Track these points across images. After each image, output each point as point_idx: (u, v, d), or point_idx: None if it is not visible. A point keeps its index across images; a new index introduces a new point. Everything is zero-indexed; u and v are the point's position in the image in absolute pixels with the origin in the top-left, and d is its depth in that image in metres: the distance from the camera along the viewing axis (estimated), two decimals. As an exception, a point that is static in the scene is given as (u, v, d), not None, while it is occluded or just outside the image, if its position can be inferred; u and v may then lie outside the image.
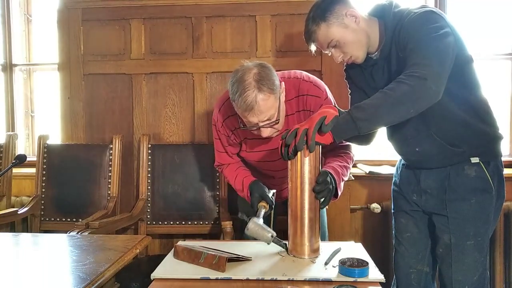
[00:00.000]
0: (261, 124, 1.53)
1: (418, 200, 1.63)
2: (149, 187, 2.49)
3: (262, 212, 1.56)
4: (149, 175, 2.50)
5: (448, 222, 1.55)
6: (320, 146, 1.42)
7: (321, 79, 2.47)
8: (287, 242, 1.47)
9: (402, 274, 1.73)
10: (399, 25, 1.47)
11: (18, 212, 2.40)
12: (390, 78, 1.46)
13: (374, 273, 1.29)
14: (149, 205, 2.48)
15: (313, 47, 1.58)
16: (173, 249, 1.46)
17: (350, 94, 1.74)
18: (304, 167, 1.40)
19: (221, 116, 1.74)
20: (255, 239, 1.48)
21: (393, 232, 1.78)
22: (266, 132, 1.56)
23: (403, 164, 1.71)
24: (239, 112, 1.53)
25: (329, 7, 1.50)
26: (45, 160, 2.55)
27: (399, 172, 1.73)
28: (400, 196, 1.71)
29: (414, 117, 1.41)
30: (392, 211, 1.78)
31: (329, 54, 1.58)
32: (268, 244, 1.43)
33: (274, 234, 1.45)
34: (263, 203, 1.60)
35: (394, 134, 1.63)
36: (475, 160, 1.51)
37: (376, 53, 1.55)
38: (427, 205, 1.61)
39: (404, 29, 1.44)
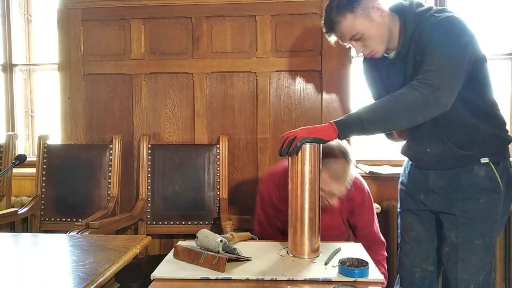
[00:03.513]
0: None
1: (426, 199, 1.64)
2: (149, 187, 2.49)
3: (225, 235, 1.52)
4: (149, 175, 2.50)
5: (456, 221, 1.55)
6: (321, 146, 1.43)
7: (321, 79, 2.49)
8: (237, 248, 1.40)
9: (406, 272, 1.74)
10: (418, 28, 1.46)
11: (18, 212, 2.40)
12: (404, 81, 1.47)
13: (374, 273, 1.29)
14: (149, 205, 2.48)
15: (333, 38, 1.56)
16: (173, 249, 1.46)
17: (368, 86, 1.75)
18: (305, 167, 1.40)
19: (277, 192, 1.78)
20: (207, 249, 1.41)
21: (399, 231, 1.79)
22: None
23: (411, 164, 1.72)
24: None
25: None
26: (45, 160, 2.55)
27: (406, 172, 1.75)
28: (407, 196, 1.73)
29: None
30: (398, 210, 1.79)
31: (347, 46, 1.57)
32: (219, 252, 1.36)
33: (224, 240, 1.39)
34: (232, 232, 1.59)
35: (413, 131, 1.64)
36: (484, 160, 1.52)
37: (394, 52, 1.55)
38: (434, 205, 1.62)
39: (424, 33, 1.44)
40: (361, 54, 1.57)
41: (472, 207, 1.53)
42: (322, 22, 1.56)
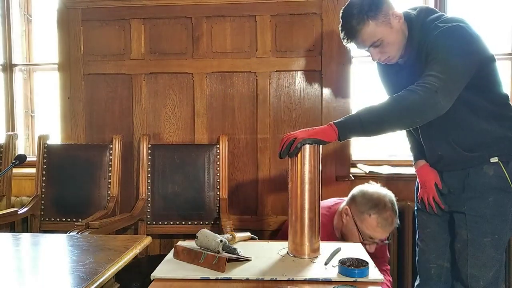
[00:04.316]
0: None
1: (441, 198, 1.69)
2: (149, 187, 2.49)
3: (225, 235, 1.52)
4: (149, 175, 2.50)
5: (465, 219, 1.58)
6: (321, 146, 1.43)
7: (321, 79, 2.50)
8: (237, 248, 1.39)
9: (423, 268, 1.79)
10: (423, 39, 1.49)
11: (18, 212, 2.40)
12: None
13: (374, 273, 1.29)
14: (149, 205, 2.48)
15: (351, 45, 1.57)
16: (173, 249, 1.46)
17: (383, 88, 1.80)
18: (304, 167, 1.40)
19: None
20: (207, 249, 1.41)
21: (417, 228, 1.85)
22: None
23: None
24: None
25: (378, 6, 1.50)
26: (45, 160, 2.55)
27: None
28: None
29: (436, 122, 1.46)
30: (415, 208, 1.85)
31: (365, 50, 1.58)
32: (219, 252, 1.36)
33: (224, 240, 1.39)
34: (232, 232, 1.58)
35: (423, 136, 1.68)
36: (494, 159, 1.55)
37: (402, 59, 1.59)
38: (448, 203, 1.67)
39: (428, 44, 1.47)
40: (376, 59, 1.59)
41: (481, 206, 1.56)
42: (340, 28, 1.56)
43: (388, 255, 2.06)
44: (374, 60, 1.60)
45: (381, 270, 1.89)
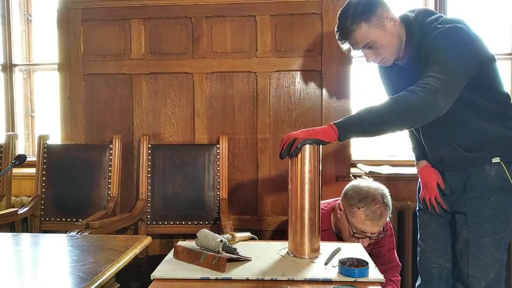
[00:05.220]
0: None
1: (442, 198, 1.69)
2: (149, 187, 2.49)
3: (225, 235, 1.52)
4: (149, 175, 2.50)
5: (467, 219, 1.59)
6: (321, 146, 1.43)
7: (321, 79, 2.50)
8: (237, 248, 1.39)
9: (425, 269, 1.79)
10: (422, 41, 1.50)
11: (18, 212, 2.40)
12: None
13: (374, 273, 1.29)
14: (149, 205, 2.48)
15: (346, 46, 1.60)
16: (173, 249, 1.46)
17: (383, 89, 1.81)
18: (305, 167, 1.40)
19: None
20: (207, 248, 1.41)
21: (418, 228, 1.85)
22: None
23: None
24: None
25: (372, 8, 1.52)
26: (45, 160, 2.55)
27: None
28: None
29: (437, 123, 1.47)
30: (417, 208, 1.85)
31: (360, 51, 1.60)
32: (219, 252, 1.36)
33: (224, 240, 1.39)
34: (232, 232, 1.58)
35: (424, 136, 1.69)
36: (495, 160, 1.55)
37: (402, 61, 1.60)
38: (450, 203, 1.67)
39: (427, 46, 1.48)
40: (371, 61, 1.61)
41: (483, 206, 1.56)
42: (336, 29, 1.59)
43: (399, 262, 1.98)
44: (369, 62, 1.62)
45: (388, 281, 1.87)
